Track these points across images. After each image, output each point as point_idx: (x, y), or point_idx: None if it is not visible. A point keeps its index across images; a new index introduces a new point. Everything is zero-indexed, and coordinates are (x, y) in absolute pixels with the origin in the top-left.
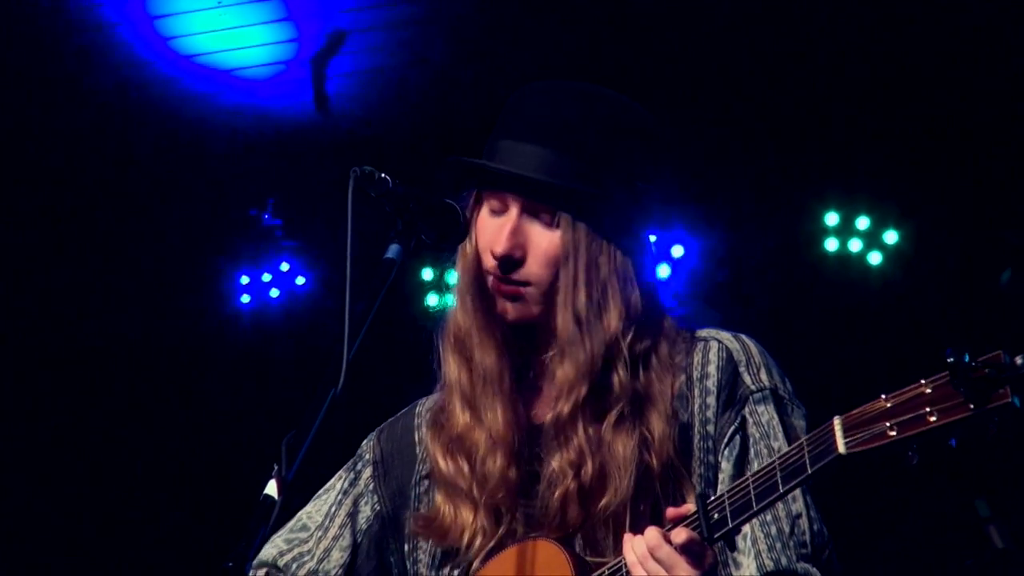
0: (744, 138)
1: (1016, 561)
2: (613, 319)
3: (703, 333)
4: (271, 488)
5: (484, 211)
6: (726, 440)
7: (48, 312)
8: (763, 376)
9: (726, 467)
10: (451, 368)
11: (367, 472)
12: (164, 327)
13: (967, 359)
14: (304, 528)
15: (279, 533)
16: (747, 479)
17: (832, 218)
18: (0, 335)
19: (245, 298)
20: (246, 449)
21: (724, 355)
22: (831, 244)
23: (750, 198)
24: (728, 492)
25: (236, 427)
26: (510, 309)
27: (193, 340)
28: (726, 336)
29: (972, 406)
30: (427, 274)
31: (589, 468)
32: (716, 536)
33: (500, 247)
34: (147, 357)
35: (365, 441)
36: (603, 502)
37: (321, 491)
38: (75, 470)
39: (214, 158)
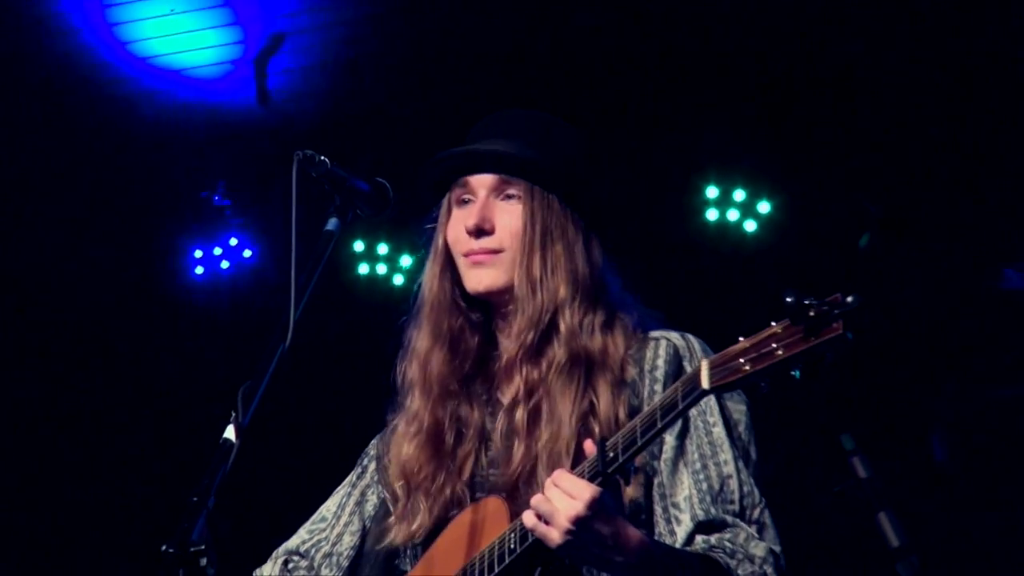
0: (634, 123)
1: (876, 487)
2: (561, 283)
3: (655, 333)
4: (230, 432)
5: (454, 208)
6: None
7: (20, 283)
8: None
9: (670, 440)
10: (423, 331)
11: (372, 466)
12: (129, 296)
13: (805, 300)
14: (323, 519)
15: (304, 525)
16: (635, 422)
17: (712, 191)
18: None
19: (199, 270)
20: (201, 401)
21: (671, 350)
22: (712, 214)
23: (641, 175)
24: (621, 434)
25: (191, 382)
26: (483, 277)
27: (154, 306)
28: (674, 335)
29: (812, 339)
30: (359, 246)
31: (532, 401)
32: (610, 471)
33: (473, 219)
34: (113, 321)
35: (372, 441)
36: (544, 438)
37: (338, 487)
38: (41, 428)
39: (169, 147)
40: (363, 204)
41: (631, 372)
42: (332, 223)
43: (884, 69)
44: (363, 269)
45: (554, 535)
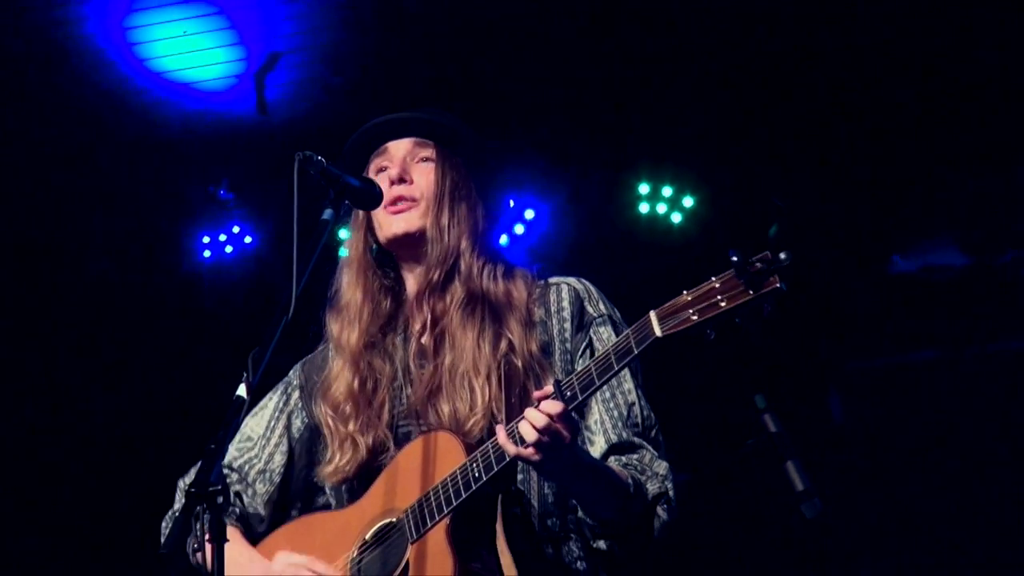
0: (577, 128)
1: (784, 440)
2: (463, 234)
3: (554, 280)
4: (242, 390)
5: (378, 181)
6: (580, 352)
7: (52, 265)
8: (601, 307)
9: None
10: (344, 290)
11: (296, 394)
12: (147, 275)
13: (750, 258)
14: (248, 439)
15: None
16: (589, 365)
17: (644, 188)
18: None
19: (207, 253)
20: (214, 365)
21: (572, 293)
22: (643, 208)
23: (583, 174)
24: (576, 374)
25: (201, 349)
26: (400, 222)
27: (168, 285)
28: (572, 280)
29: (751, 292)
30: (343, 233)
31: (437, 329)
32: (570, 407)
33: (395, 170)
34: (134, 296)
35: (292, 370)
36: (447, 361)
37: (256, 409)
38: (72, 392)
39: (181, 149)
40: (353, 198)
41: (538, 313)
42: (327, 213)
43: (789, 84)
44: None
45: (534, 458)
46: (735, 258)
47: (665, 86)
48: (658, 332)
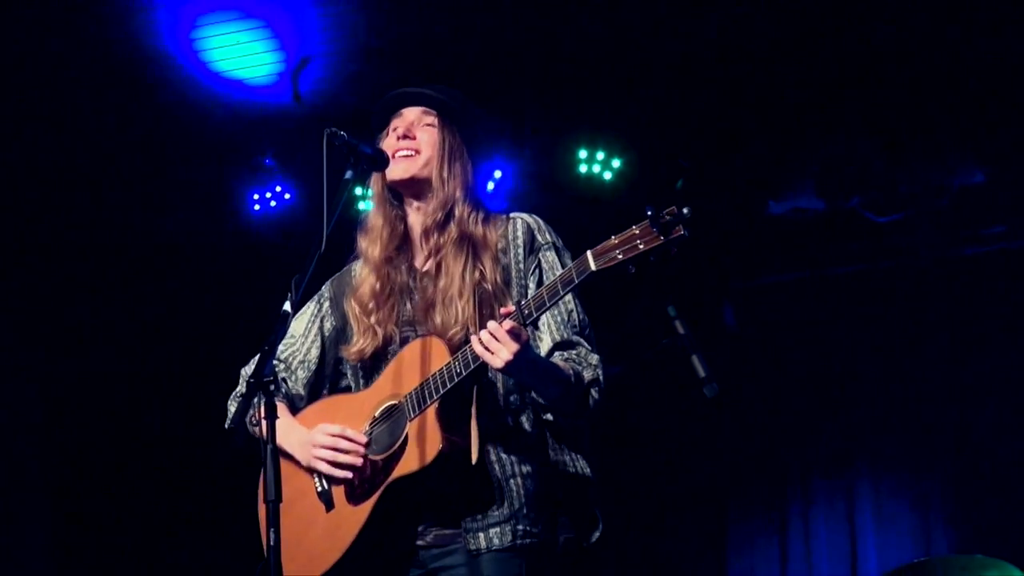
0: (530, 104)
1: (690, 338)
2: (458, 187)
3: (513, 215)
4: (287, 306)
5: (390, 134)
6: (531, 272)
7: (130, 218)
8: (547, 236)
9: (532, 287)
10: (371, 216)
11: (327, 304)
12: (209, 224)
13: (661, 211)
14: (292, 336)
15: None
16: (542, 290)
17: (583, 153)
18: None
19: (256, 207)
20: (259, 295)
21: (525, 225)
22: (583, 168)
23: (536, 142)
24: (532, 297)
25: (251, 283)
26: (403, 164)
27: (225, 231)
28: (524, 215)
29: (662, 237)
30: (358, 190)
31: (436, 259)
32: (527, 323)
33: (402, 130)
34: (197, 242)
35: (324, 286)
36: (441, 285)
37: (298, 315)
38: (137, 326)
39: (236, 130)
40: (367, 162)
41: (502, 244)
42: (348, 174)
43: (695, 70)
44: (361, 205)
45: (497, 362)
46: (649, 212)
47: (599, 71)
48: (593, 267)
